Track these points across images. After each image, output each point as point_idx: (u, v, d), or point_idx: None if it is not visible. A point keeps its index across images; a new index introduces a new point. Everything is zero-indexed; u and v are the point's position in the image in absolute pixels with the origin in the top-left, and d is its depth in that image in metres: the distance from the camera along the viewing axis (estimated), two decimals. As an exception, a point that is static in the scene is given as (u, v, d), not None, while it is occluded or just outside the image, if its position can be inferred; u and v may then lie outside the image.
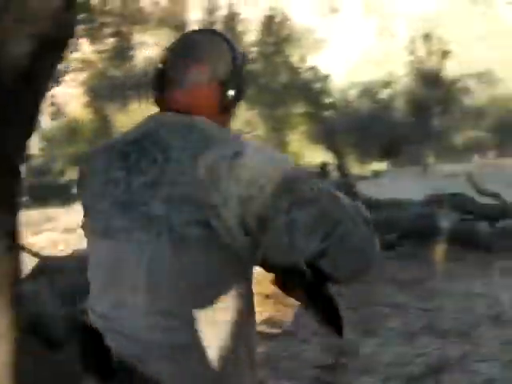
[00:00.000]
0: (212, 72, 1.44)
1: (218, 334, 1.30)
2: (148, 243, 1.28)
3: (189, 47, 1.48)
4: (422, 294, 5.18)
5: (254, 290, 1.34)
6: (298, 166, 1.33)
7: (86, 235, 1.50)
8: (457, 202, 6.85)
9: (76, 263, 5.67)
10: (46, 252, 7.51)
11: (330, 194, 1.29)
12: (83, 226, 1.52)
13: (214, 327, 1.29)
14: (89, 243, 1.48)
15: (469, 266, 5.74)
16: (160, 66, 1.50)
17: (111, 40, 25.67)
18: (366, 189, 9.63)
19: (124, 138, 1.45)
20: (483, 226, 6.58)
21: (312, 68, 30.73)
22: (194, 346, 1.28)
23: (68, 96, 31.27)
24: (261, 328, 4.20)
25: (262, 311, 4.59)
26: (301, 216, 1.23)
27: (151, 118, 1.44)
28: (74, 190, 24.75)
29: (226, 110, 1.48)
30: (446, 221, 6.28)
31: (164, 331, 1.28)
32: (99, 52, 25.22)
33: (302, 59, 27.06)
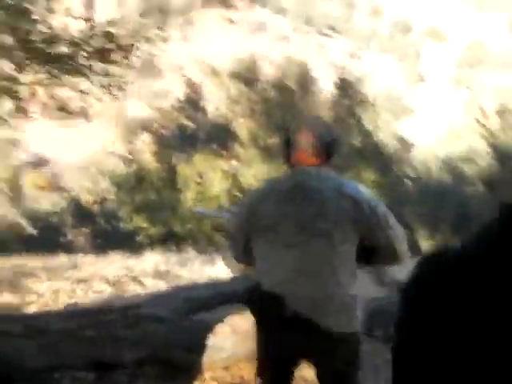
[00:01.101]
0: (324, 143, 2.92)
1: (355, 285, 2.82)
2: (322, 247, 2.75)
3: (310, 125, 3.01)
4: None
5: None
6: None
7: (255, 243, 2.93)
8: None
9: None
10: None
11: (393, 219, 2.88)
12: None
13: (353, 284, 2.82)
14: (265, 249, 2.87)
15: None
16: (288, 136, 2.99)
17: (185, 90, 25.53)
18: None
19: (281, 186, 2.92)
20: None
21: (398, 136, 29.70)
22: (348, 296, 2.78)
23: (141, 144, 31.38)
24: None
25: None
26: (389, 232, 2.82)
27: (296, 171, 2.91)
28: (139, 238, 24.20)
29: (329, 161, 2.97)
30: None
31: (330, 290, 2.75)
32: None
33: (380, 124, 25.84)
